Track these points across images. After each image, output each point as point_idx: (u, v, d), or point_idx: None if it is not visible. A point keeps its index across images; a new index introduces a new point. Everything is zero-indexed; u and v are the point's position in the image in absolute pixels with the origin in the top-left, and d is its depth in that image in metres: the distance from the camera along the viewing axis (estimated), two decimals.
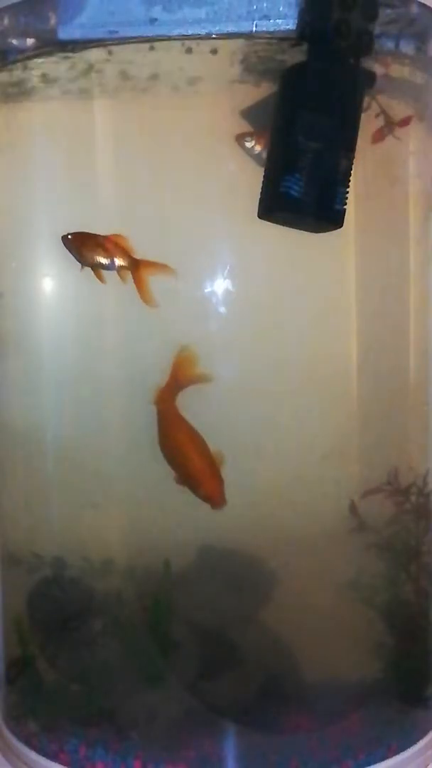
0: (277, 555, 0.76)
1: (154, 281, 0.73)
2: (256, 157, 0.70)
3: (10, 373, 0.83)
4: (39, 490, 0.83)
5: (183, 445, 0.75)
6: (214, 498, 0.74)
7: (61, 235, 0.73)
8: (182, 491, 0.75)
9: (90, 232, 0.72)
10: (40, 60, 0.75)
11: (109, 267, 0.72)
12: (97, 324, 0.78)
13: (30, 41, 0.75)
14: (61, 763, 0.75)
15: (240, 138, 0.71)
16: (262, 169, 0.68)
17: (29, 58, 0.75)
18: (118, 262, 0.71)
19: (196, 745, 0.73)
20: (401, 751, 0.76)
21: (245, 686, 0.75)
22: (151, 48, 0.70)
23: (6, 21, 0.76)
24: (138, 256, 0.72)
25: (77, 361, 0.80)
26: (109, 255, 0.71)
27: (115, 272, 0.73)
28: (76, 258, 0.73)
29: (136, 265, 0.72)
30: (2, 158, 0.81)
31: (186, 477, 0.74)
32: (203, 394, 0.76)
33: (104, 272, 0.74)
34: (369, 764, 0.74)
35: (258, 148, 0.70)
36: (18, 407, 0.83)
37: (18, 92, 0.78)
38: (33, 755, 0.77)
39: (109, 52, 0.71)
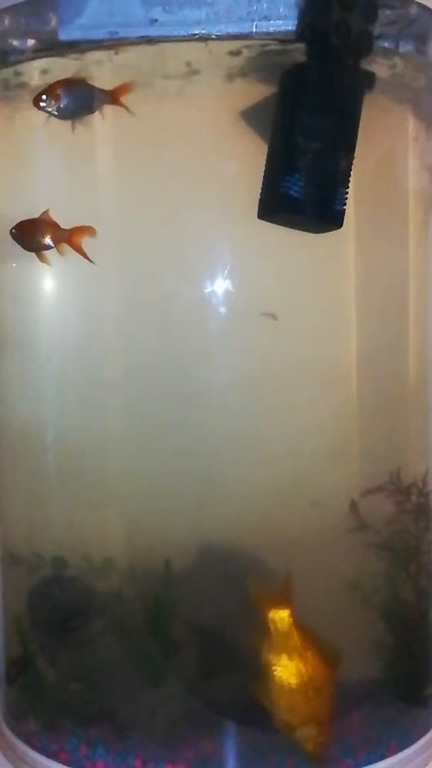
0: (277, 555, 0.76)
1: (156, 279, 0.74)
2: (54, 113, 0.71)
3: (11, 374, 0.83)
4: (39, 490, 0.83)
5: (304, 681, 0.68)
6: (318, 759, 0.68)
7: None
8: (180, 492, 0.76)
9: (29, 218, 0.74)
10: (40, 61, 0.75)
11: (48, 245, 0.73)
12: (98, 324, 0.78)
13: (30, 42, 0.75)
14: (61, 762, 0.75)
15: (37, 101, 0.71)
16: (262, 170, 0.68)
17: (30, 59, 0.76)
18: (49, 238, 0.73)
19: (196, 745, 0.73)
20: (401, 750, 0.76)
21: (245, 686, 0.75)
22: (151, 49, 0.70)
23: (6, 22, 0.76)
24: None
25: (78, 361, 0.80)
26: (44, 234, 0.73)
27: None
28: (22, 246, 0.74)
29: (66, 236, 0.73)
30: (3, 159, 0.82)
31: (293, 721, 0.68)
32: (203, 394, 0.76)
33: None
34: (369, 763, 0.74)
35: (53, 103, 0.70)
36: (18, 407, 0.84)
37: (18, 93, 0.78)
38: (33, 754, 0.78)
39: (109, 53, 0.72)
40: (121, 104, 0.71)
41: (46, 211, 0.73)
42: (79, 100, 0.71)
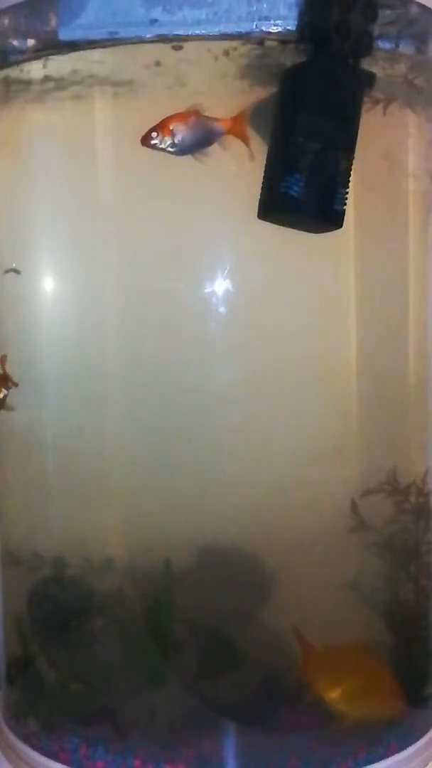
0: (277, 555, 0.76)
1: (156, 278, 0.75)
2: (169, 149, 0.68)
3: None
4: (39, 490, 0.83)
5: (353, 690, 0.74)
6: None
7: None
8: (181, 492, 0.76)
9: None
10: (40, 61, 0.75)
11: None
12: (97, 323, 0.79)
13: (30, 42, 0.75)
14: (61, 762, 0.75)
15: (146, 140, 0.68)
16: (263, 170, 0.68)
17: (30, 59, 0.76)
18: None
19: (196, 745, 0.73)
20: (401, 750, 0.76)
21: (245, 685, 0.75)
22: (151, 49, 0.70)
23: (6, 22, 0.76)
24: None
25: (77, 361, 0.80)
26: None
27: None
28: None
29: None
30: (3, 159, 0.82)
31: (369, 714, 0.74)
32: (203, 394, 0.76)
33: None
34: (369, 763, 0.74)
35: (168, 139, 0.68)
36: (18, 407, 0.83)
37: (18, 93, 0.78)
38: (33, 754, 0.78)
39: (110, 53, 0.72)
40: (241, 134, 0.69)
41: None
42: (194, 134, 0.68)
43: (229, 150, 0.72)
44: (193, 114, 0.69)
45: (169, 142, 0.68)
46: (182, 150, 0.68)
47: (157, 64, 0.71)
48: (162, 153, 0.69)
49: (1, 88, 0.79)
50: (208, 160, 0.70)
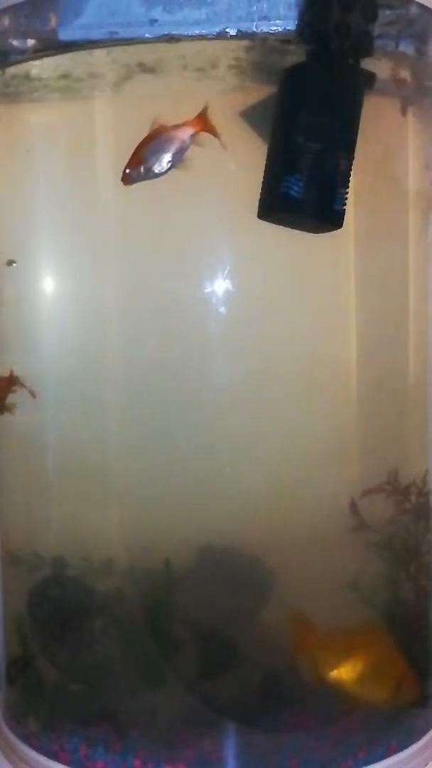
0: (277, 555, 0.76)
1: (156, 279, 0.75)
2: (149, 176, 0.68)
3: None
4: (39, 489, 0.83)
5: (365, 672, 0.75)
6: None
7: None
8: (181, 491, 0.76)
9: None
10: (40, 61, 0.75)
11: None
12: (98, 323, 0.79)
13: (30, 42, 0.75)
14: (61, 762, 0.75)
15: (126, 179, 0.67)
16: (263, 170, 0.68)
17: (30, 59, 0.76)
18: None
19: (196, 745, 0.73)
20: (401, 750, 0.76)
21: (245, 686, 0.75)
22: (151, 49, 0.70)
23: (6, 22, 0.76)
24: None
25: (78, 360, 0.80)
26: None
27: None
28: None
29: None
30: (2, 158, 0.82)
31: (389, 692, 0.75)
32: (203, 394, 0.76)
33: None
34: (369, 763, 0.74)
35: (143, 168, 0.67)
36: (18, 407, 0.84)
37: (18, 93, 0.78)
38: (33, 754, 0.78)
39: (110, 53, 0.72)
40: (209, 129, 0.68)
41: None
42: (165, 149, 0.67)
43: (228, 150, 0.72)
44: (157, 131, 0.68)
45: (143, 170, 0.67)
46: (162, 169, 0.67)
47: (157, 63, 0.71)
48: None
49: (1, 88, 0.79)
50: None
